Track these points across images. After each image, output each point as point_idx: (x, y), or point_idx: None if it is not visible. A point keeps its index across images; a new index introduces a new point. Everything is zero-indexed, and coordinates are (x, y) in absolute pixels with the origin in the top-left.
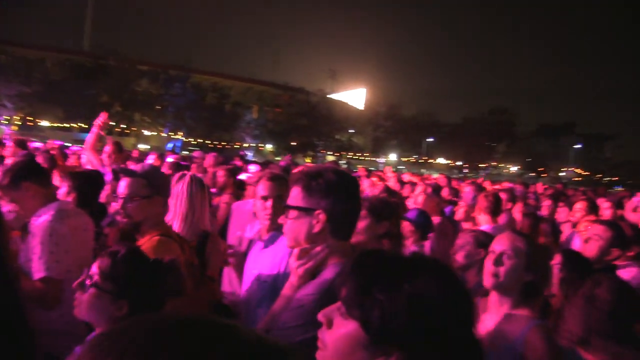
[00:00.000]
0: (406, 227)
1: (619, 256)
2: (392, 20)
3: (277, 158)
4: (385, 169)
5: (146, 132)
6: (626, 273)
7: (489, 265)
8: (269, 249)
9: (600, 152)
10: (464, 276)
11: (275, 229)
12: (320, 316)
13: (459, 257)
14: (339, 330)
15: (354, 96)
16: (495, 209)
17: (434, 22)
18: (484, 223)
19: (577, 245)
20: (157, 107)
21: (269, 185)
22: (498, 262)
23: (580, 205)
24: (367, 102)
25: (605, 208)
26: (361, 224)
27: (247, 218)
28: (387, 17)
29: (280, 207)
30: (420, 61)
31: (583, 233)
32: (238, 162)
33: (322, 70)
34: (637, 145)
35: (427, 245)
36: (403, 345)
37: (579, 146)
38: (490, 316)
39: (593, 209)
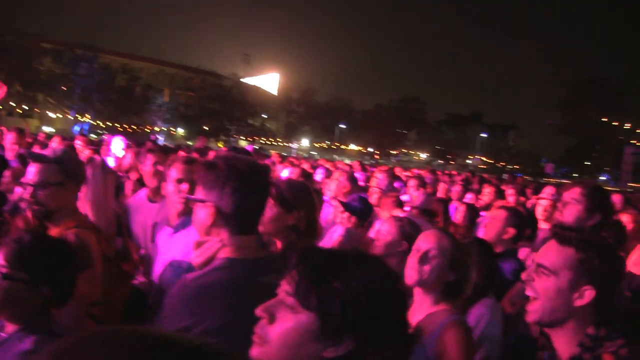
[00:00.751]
0: (346, 214)
1: (515, 235)
2: (307, 6)
3: (189, 142)
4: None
5: (51, 114)
6: (521, 253)
7: (413, 263)
8: (180, 233)
9: (504, 141)
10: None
11: (188, 213)
12: (260, 311)
13: (379, 245)
14: (285, 323)
15: (268, 81)
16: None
17: (350, 8)
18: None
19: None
20: (63, 87)
21: (184, 169)
22: (423, 260)
23: (488, 190)
24: (281, 87)
25: (510, 195)
26: (268, 214)
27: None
28: (302, 2)
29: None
30: (334, 48)
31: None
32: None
33: (236, 54)
34: (534, 134)
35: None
36: (354, 333)
37: (484, 135)
38: (412, 313)
39: (500, 194)
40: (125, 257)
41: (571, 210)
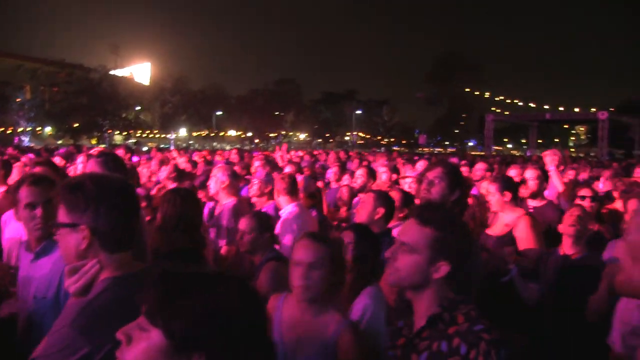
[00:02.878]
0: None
1: (384, 214)
2: None
3: (59, 142)
4: (173, 151)
5: None
6: (395, 232)
7: (298, 279)
8: (42, 260)
9: (379, 116)
10: (252, 259)
11: (49, 237)
12: (119, 334)
13: (245, 242)
14: (139, 344)
15: (139, 71)
16: (292, 189)
17: None
18: (285, 204)
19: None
20: None
21: (34, 191)
22: (307, 276)
23: (360, 172)
24: (153, 77)
25: (382, 172)
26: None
27: None
28: None
29: (51, 212)
30: (205, 34)
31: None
32: (12, 151)
33: (103, 46)
34: (407, 108)
35: (223, 217)
36: (203, 351)
37: (359, 112)
38: (301, 315)
39: (372, 174)
40: None
41: (436, 188)
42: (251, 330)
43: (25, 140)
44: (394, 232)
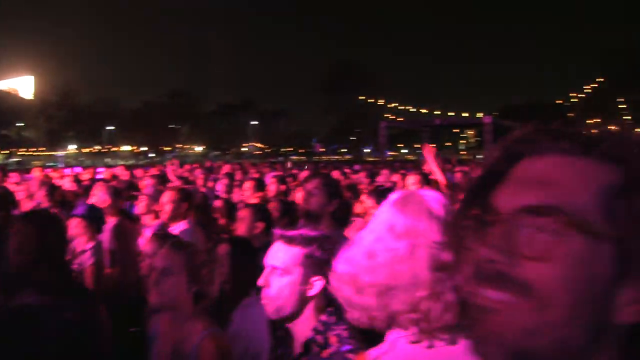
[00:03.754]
0: (77, 225)
1: (264, 227)
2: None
3: None
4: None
5: None
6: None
7: (153, 284)
8: None
9: (275, 126)
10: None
11: None
12: None
13: (145, 267)
14: None
15: (21, 85)
16: (181, 205)
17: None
18: (174, 221)
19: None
20: None
21: None
22: (159, 280)
23: (248, 185)
24: (37, 91)
25: (271, 183)
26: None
27: None
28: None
29: None
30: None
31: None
32: None
33: None
34: (304, 117)
35: (104, 238)
36: None
37: (256, 122)
38: (170, 327)
39: (260, 186)
40: None
41: (315, 199)
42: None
43: None
44: None
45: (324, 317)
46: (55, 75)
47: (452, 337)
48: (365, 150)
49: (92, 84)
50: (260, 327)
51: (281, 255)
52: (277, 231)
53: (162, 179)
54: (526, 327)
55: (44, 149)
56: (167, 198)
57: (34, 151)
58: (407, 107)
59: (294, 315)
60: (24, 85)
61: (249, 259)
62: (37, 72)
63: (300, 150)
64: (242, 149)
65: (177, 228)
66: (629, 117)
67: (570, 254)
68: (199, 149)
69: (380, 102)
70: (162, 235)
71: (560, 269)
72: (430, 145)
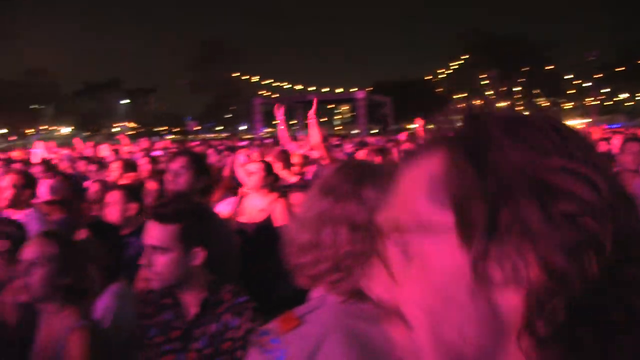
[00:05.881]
0: None
1: (139, 209)
2: None
3: None
4: None
5: None
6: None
7: (19, 277)
8: None
9: (147, 105)
10: None
11: None
12: None
13: None
14: None
15: None
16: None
17: None
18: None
19: None
20: None
21: None
22: (28, 272)
23: (116, 165)
24: None
25: (143, 164)
26: None
27: None
28: None
29: None
30: None
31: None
32: None
33: None
34: (174, 96)
35: None
36: None
37: (126, 101)
38: (46, 324)
39: (131, 167)
40: None
41: (183, 178)
42: None
43: None
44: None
45: (213, 278)
46: None
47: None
48: (241, 128)
49: None
50: (124, 315)
51: (159, 234)
52: (150, 209)
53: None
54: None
55: None
56: (8, 182)
57: None
58: (282, 84)
59: (182, 285)
60: None
61: (110, 244)
62: None
63: (174, 129)
64: (114, 129)
65: (20, 216)
66: (491, 92)
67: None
68: (66, 130)
69: (255, 78)
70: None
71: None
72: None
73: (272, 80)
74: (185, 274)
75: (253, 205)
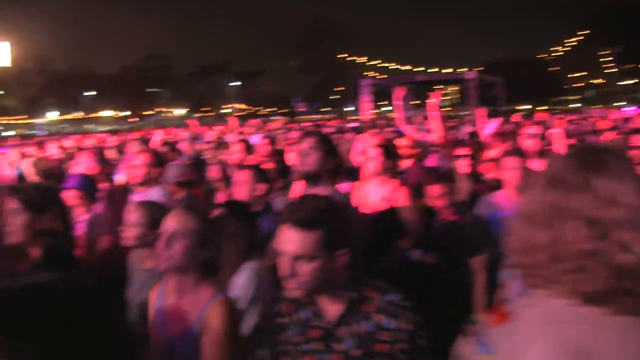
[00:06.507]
0: (72, 197)
1: (268, 190)
2: None
3: None
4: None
5: None
6: (278, 202)
7: (160, 248)
8: None
9: (255, 87)
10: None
11: None
12: None
13: (130, 236)
14: None
15: None
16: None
17: None
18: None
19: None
20: None
21: None
22: (169, 244)
23: (238, 147)
24: (15, 57)
25: (262, 145)
26: (17, 221)
27: None
28: None
29: None
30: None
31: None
32: None
33: None
34: (282, 77)
35: (98, 210)
36: None
37: (236, 83)
38: (175, 296)
39: (249, 149)
40: None
41: (311, 158)
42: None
43: None
44: (275, 205)
45: (349, 273)
46: (31, 41)
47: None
48: (346, 109)
49: (67, 49)
50: (261, 295)
51: (301, 242)
52: (287, 213)
53: (145, 144)
54: None
55: (26, 116)
56: (141, 161)
57: (16, 119)
58: (388, 65)
59: (324, 289)
60: (0, 52)
61: (245, 223)
62: (14, 39)
63: (281, 111)
64: (223, 111)
65: (151, 193)
66: (616, 69)
67: None
68: (179, 112)
69: (362, 59)
70: (150, 205)
71: None
72: (435, 96)
73: (379, 61)
74: (330, 278)
75: (373, 193)
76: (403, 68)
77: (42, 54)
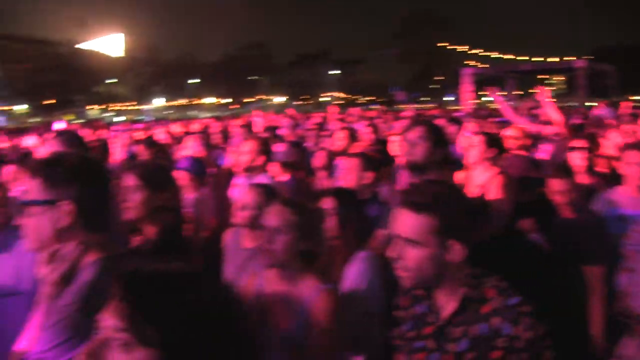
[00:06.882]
0: (182, 177)
1: (377, 178)
2: None
3: (36, 119)
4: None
5: None
6: (384, 191)
7: (263, 243)
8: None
9: (354, 75)
10: (239, 232)
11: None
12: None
13: (241, 217)
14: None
15: (111, 42)
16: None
17: None
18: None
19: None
20: None
21: None
22: (271, 239)
23: (341, 134)
24: (128, 47)
25: (364, 132)
26: (136, 197)
27: None
28: None
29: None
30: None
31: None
32: None
33: (72, 19)
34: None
35: (205, 192)
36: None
37: (336, 72)
38: (279, 286)
39: (353, 136)
40: None
41: (419, 148)
42: (225, 328)
43: (2, 120)
44: (382, 191)
45: (468, 270)
46: (144, 32)
47: None
48: (446, 99)
49: (174, 39)
50: (374, 285)
51: (412, 225)
52: (403, 194)
53: (249, 130)
54: None
55: (135, 103)
56: (248, 148)
57: (127, 106)
58: (490, 54)
59: (434, 282)
60: (114, 43)
61: (354, 212)
62: (127, 30)
63: (379, 100)
64: (322, 99)
65: (255, 180)
66: None
67: None
68: (279, 99)
69: (463, 48)
70: (263, 187)
71: None
72: (545, 88)
73: (481, 50)
74: (441, 271)
75: (473, 180)
76: (506, 57)
77: (151, 44)
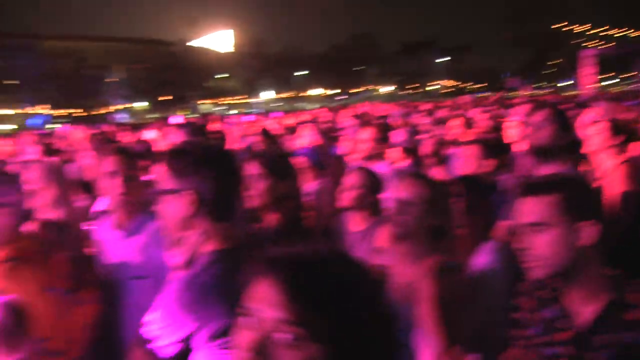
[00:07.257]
0: (303, 164)
1: (498, 165)
2: None
3: (155, 115)
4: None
5: (7, 112)
6: (504, 179)
7: (394, 215)
8: (135, 238)
9: (462, 62)
10: (347, 215)
11: (140, 213)
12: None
13: (347, 198)
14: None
15: (221, 39)
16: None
17: None
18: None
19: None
20: (5, 81)
21: (118, 160)
22: (402, 211)
23: (457, 122)
24: (237, 43)
25: (481, 120)
26: (260, 185)
27: None
28: None
29: (134, 185)
30: None
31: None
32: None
33: (184, 18)
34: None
35: (326, 180)
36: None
37: (443, 59)
38: (404, 266)
39: (468, 124)
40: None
41: (544, 132)
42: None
43: (125, 117)
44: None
45: (603, 269)
46: (252, 27)
47: None
48: (565, 84)
49: (281, 32)
50: (502, 279)
51: (535, 208)
52: (522, 185)
53: (362, 119)
54: None
55: (244, 96)
56: (367, 136)
57: (238, 99)
58: (615, 33)
59: (569, 273)
60: (224, 39)
61: (483, 200)
62: (237, 26)
63: (492, 87)
64: (429, 88)
65: (375, 167)
66: None
67: None
68: (385, 89)
69: (582, 28)
70: (366, 170)
71: None
72: None
73: (604, 28)
74: (573, 257)
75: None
76: (634, 34)
77: (258, 38)
